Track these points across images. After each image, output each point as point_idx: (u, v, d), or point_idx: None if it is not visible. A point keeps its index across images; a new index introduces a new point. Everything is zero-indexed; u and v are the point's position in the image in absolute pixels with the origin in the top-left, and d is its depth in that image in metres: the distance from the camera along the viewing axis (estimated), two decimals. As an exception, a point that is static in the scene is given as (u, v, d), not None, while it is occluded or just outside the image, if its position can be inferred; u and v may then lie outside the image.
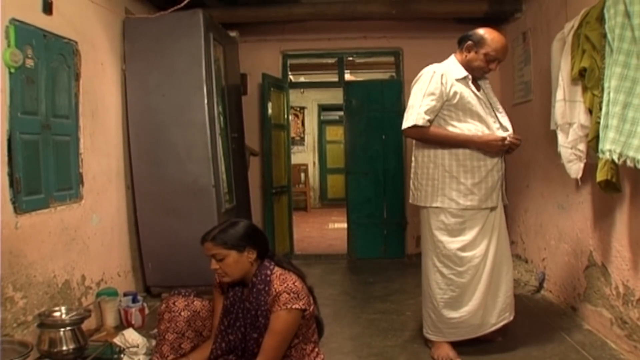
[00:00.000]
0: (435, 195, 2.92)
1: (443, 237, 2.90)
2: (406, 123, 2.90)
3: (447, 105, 2.87)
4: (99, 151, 3.66)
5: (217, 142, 4.15)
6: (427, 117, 2.84)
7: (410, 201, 3.11)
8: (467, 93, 2.89)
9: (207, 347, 2.35)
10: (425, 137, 2.91)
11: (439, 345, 2.97)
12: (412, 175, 3.09)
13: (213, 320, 2.40)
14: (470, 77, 2.93)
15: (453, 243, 2.89)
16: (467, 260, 2.89)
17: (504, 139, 2.86)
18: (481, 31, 2.93)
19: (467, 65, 2.93)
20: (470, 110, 2.89)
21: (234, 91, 4.90)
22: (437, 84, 2.84)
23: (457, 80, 2.89)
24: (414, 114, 2.86)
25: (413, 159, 3.08)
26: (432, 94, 2.84)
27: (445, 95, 2.85)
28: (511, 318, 3.08)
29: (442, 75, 2.86)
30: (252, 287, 2.28)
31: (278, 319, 2.17)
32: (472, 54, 2.92)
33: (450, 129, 2.89)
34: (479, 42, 2.89)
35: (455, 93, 2.86)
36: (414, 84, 2.97)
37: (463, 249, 2.89)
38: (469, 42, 2.92)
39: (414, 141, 3.07)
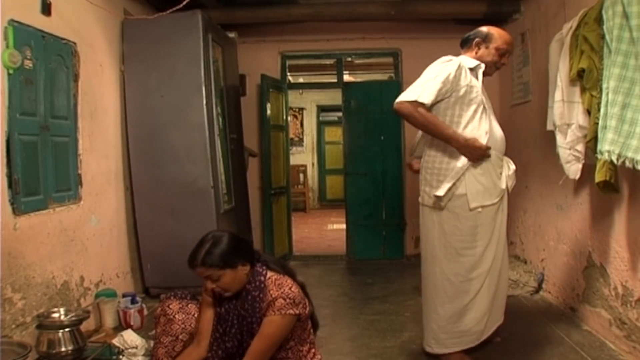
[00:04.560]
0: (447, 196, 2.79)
1: (457, 244, 2.79)
2: (404, 96, 2.73)
3: (455, 98, 2.75)
4: (98, 152, 3.66)
5: (216, 143, 4.15)
6: (431, 98, 2.68)
7: (421, 202, 2.95)
8: (478, 85, 2.82)
9: (189, 355, 2.31)
10: (415, 116, 2.70)
11: (451, 357, 2.87)
12: (422, 177, 2.95)
13: (200, 324, 2.33)
14: (482, 66, 2.85)
15: (467, 250, 2.79)
16: (478, 267, 2.80)
17: (488, 147, 2.74)
18: (485, 28, 2.93)
19: (480, 61, 2.87)
20: (476, 104, 2.78)
21: (232, 92, 4.90)
22: (450, 70, 2.72)
23: (470, 69, 2.82)
24: (417, 90, 2.70)
25: (422, 161, 2.95)
26: (443, 76, 2.71)
27: (455, 84, 2.72)
28: (502, 320, 3.05)
29: (459, 64, 2.77)
30: (246, 295, 2.24)
31: (270, 324, 2.15)
32: (482, 50, 2.89)
33: (456, 126, 2.77)
34: (487, 38, 2.89)
35: (467, 84, 2.76)
36: (427, 72, 2.81)
37: (476, 256, 2.79)
38: (477, 39, 2.90)
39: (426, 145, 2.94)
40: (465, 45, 2.97)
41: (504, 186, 2.86)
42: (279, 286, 2.20)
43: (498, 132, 2.89)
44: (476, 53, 2.91)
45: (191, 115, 4.01)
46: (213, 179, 4.04)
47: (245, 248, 2.30)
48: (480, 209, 2.77)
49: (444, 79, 2.72)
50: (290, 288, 2.20)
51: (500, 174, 2.86)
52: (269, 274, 2.28)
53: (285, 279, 2.26)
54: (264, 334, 2.15)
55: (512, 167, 2.92)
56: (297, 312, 2.16)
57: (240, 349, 2.26)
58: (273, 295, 2.17)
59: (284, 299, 2.15)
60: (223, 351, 2.27)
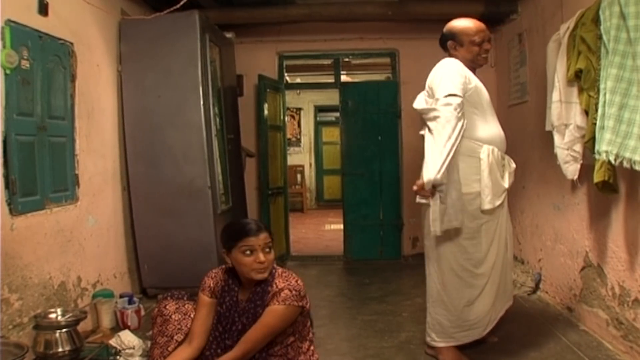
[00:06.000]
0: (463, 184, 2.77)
1: (464, 242, 2.82)
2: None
3: (472, 102, 2.77)
4: (95, 152, 3.66)
5: (213, 143, 4.15)
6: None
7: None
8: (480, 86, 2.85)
9: (179, 355, 2.30)
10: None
11: (447, 352, 2.89)
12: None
13: (193, 324, 2.33)
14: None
15: (474, 247, 2.82)
16: (483, 263, 2.84)
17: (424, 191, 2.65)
18: (450, 26, 2.92)
19: (464, 60, 2.87)
20: (486, 105, 2.84)
21: (230, 92, 4.89)
22: (457, 72, 2.73)
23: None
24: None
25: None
26: (454, 78, 2.70)
27: (466, 89, 2.73)
28: (511, 302, 3.08)
29: (457, 66, 2.78)
30: (256, 285, 2.27)
31: (272, 313, 2.17)
32: (460, 51, 2.88)
33: (479, 129, 2.80)
34: (457, 38, 2.87)
35: (471, 84, 2.78)
36: (438, 75, 2.77)
37: (482, 252, 2.83)
38: (449, 42, 2.90)
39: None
40: (444, 49, 2.96)
41: (506, 185, 2.89)
42: (285, 278, 2.24)
43: (499, 130, 2.91)
44: (457, 56, 2.88)
45: (188, 116, 4.01)
46: (210, 180, 4.03)
47: None
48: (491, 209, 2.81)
49: (456, 82, 2.69)
50: (296, 281, 2.24)
51: (503, 172, 2.89)
52: (277, 266, 2.33)
53: (291, 273, 2.30)
54: (263, 322, 2.17)
55: (513, 165, 2.96)
56: (300, 304, 2.20)
57: None
58: (279, 286, 2.20)
59: (290, 290, 2.18)
60: (222, 349, 2.28)
